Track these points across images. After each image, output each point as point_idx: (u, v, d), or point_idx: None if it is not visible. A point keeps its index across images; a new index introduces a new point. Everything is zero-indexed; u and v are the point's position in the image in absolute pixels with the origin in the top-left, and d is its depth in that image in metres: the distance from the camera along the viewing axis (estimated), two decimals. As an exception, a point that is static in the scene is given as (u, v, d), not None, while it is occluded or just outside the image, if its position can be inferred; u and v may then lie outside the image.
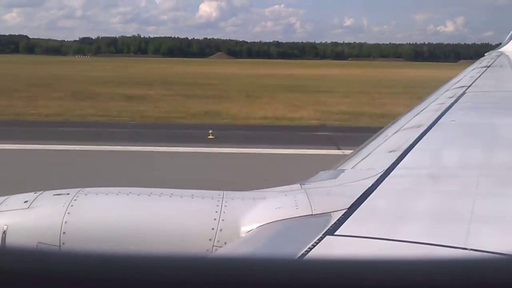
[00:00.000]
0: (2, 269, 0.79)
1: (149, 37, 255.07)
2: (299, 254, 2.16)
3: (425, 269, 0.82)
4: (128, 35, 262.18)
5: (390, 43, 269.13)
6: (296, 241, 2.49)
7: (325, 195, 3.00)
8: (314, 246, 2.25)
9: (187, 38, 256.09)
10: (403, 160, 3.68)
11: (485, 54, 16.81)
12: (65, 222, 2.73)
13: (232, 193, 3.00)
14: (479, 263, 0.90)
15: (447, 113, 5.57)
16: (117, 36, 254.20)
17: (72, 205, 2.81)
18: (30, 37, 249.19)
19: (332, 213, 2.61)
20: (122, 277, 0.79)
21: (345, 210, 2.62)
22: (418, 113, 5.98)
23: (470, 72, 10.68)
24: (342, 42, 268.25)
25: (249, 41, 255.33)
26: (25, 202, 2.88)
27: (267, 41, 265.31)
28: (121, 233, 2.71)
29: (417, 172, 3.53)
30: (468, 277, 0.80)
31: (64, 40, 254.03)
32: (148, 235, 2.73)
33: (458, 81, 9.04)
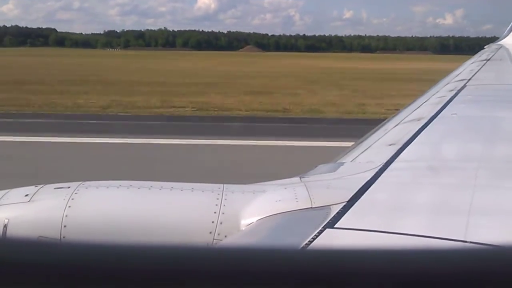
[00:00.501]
0: (3, 260, 0.80)
1: (174, 30, 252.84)
2: (300, 247, 2.17)
3: (425, 259, 0.83)
4: (136, 28, 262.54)
5: (414, 36, 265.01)
6: (296, 234, 2.50)
7: (325, 188, 3.01)
8: (314, 239, 2.26)
9: (213, 31, 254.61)
10: (402, 153, 3.68)
11: (485, 47, 16.78)
12: (66, 216, 2.74)
13: (232, 186, 3.01)
14: (478, 255, 0.90)
15: (447, 107, 5.57)
16: (142, 30, 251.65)
17: (73, 199, 2.82)
18: (58, 30, 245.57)
19: (331, 206, 2.62)
20: (123, 267, 0.80)
21: (344, 203, 2.63)
22: (419, 106, 5.98)
23: (470, 66, 10.67)
24: (364, 35, 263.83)
25: (276, 34, 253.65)
26: (26, 195, 2.88)
27: (293, 34, 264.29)
28: (122, 226, 2.72)
29: (416, 165, 3.54)
30: (467, 269, 0.81)
31: (91, 34, 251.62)
32: (148, 228, 2.73)
33: (458, 74, 9.03)
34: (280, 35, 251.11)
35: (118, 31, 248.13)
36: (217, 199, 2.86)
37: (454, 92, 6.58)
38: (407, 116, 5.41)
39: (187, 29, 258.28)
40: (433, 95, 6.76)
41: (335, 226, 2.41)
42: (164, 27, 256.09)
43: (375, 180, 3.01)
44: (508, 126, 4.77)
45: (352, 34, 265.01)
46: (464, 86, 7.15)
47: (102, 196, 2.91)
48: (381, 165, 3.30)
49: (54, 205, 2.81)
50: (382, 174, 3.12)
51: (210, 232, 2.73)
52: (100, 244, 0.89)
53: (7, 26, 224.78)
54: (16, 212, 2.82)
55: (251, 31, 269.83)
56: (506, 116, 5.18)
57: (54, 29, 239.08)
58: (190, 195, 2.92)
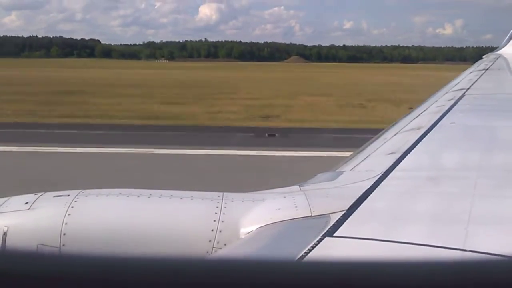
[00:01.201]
0: (3, 271, 0.80)
1: (215, 41, 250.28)
2: (299, 256, 2.16)
3: (424, 270, 0.83)
4: (173, 40, 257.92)
5: (452, 46, 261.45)
6: (295, 243, 2.50)
7: (324, 196, 3.01)
8: (313, 247, 2.26)
9: (256, 42, 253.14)
10: (402, 162, 3.69)
11: (483, 57, 16.83)
12: (66, 224, 2.74)
13: (231, 195, 3.01)
14: (478, 264, 0.91)
15: (446, 116, 5.59)
16: (181, 41, 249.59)
17: (72, 207, 2.82)
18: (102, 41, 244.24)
19: (331, 215, 2.62)
20: (122, 279, 0.80)
21: (344, 212, 2.63)
22: (418, 115, 5.99)
23: (468, 75, 10.71)
24: (398, 45, 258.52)
25: (317, 45, 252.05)
26: (26, 203, 2.88)
27: (335, 44, 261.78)
28: (121, 234, 2.72)
29: (416, 174, 3.54)
30: (467, 278, 0.81)
31: (131, 44, 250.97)
32: (148, 236, 2.73)
33: (456, 84, 9.06)
34: (321, 46, 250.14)
35: (157, 42, 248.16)
36: (217, 207, 2.86)
37: (453, 102, 6.60)
38: (406, 125, 5.42)
39: (222, 40, 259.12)
40: (432, 104, 6.78)
41: (335, 234, 2.40)
42: (205, 39, 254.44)
43: (374, 189, 3.01)
44: (507, 135, 4.78)
45: (389, 45, 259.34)
46: (463, 95, 7.17)
47: (101, 204, 2.91)
48: (381, 174, 3.30)
49: (54, 213, 2.81)
50: (382, 183, 3.13)
51: (210, 241, 2.73)
52: (99, 255, 0.89)
53: (50, 37, 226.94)
54: (16, 219, 2.82)
55: (287, 42, 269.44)
56: (505, 125, 5.20)
57: (98, 40, 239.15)
58: (189, 204, 2.92)
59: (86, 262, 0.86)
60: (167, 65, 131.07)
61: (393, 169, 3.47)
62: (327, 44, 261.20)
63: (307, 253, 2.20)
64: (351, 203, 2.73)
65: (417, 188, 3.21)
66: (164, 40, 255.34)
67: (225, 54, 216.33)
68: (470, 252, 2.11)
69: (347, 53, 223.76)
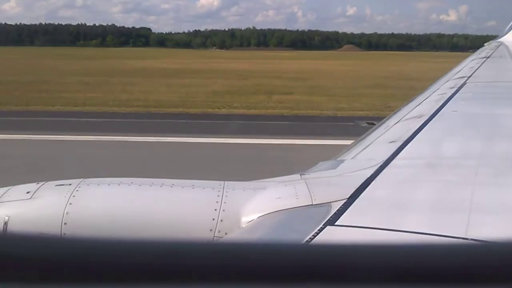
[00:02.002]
0: (4, 254, 0.80)
1: (263, 29, 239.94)
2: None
3: (425, 254, 0.83)
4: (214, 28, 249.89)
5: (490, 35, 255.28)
6: (296, 231, 2.51)
7: (325, 185, 3.01)
8: (315, 236, 2.26)
9: (304, 30, 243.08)
10: (403, 150, 3.68)
11: (485, 44, 16.75)
12: (67, 213, 2.75)
13: (232, 184, 3.01)
14: (479, 252, 0.90)
15: (448, 104, 5.57)
16: (225, 29, 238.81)
17: (74, 196, 2.82)
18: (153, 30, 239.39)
19: (332, 203, 2.62)
20: (124, 262, 0.80)
21: (345, 200, 2.63)
22: (419, 104, 5.98)
23: (470, 63, 10.66)
24: (444, 33, 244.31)
25: (367, 33, 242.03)
26: (27, 192, 2.89)
27: (382, 32, 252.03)
28: (122, 223, 2.72)
29: (417, 163, 3.54)
30: (468, 265, 0.81)
31: (175, 33, 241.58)
32: (149, 225, 2.74)
33: (458, 72, 9.02)
34: (371, 34, 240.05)
35: (202, 30, 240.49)
36: (218, 196, 2.86)
37: (454, 90, 6.58)
38: (407, 113, 5.41)
39: (266, 28, 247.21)
40: (434, 92, 6.76)
41: (336, 223, 2.41)
42: (253, 26, 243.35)
43: (375, 177, 3.00)
44: (508, 123, 4.77)
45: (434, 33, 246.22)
46: (464, 83, 7.15)
47: (103, 193, 2.91)
48: (382, 163, 3.30)
49: (55, 202, 2.81)
50: (383, 172, 3.12)
51: (211, 230, 2.73)
52: (101, 238, 0.89)
53: (104, 25, 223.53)
54: (17, 209, 2.83)
55: (329, 30, 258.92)
56: (506, 113, 5.18)
57: (149, 29, 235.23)
58: (190, 193, 2.92)
59: (88, 244, 0.86)
60: (253, 54, 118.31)
61: (394, 157, 3.47)
62: (371, 32, 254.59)
63: (308, 241, 2.20)
64: (352, 192, 2.73)
65: (418, 177, 3.20)
66: (209, 29, 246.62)
67: (276, 43, 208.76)
68: (471, 240, 2.11)
69: (397, 41, 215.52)
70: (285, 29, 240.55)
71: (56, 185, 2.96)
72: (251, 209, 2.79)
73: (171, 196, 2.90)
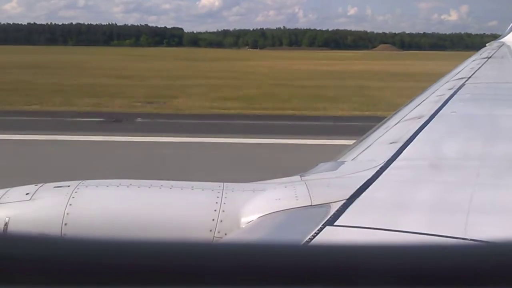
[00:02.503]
0: (4, 255, 0.80)
1: (293, 28, 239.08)
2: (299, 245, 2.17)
3: (425, 255, 0.83)
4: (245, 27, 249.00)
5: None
6: (296, 232, 2.51)
7: (325, 186, 3.01)
8: (314, 236, 2.26)
9: (338, 29, 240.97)
10: (403, 151, 3.68)
11: (487, 44, 16.74)
12: (67, 214, 2.75)
13: (232, 185, 3.01)
14: (479, 252, 0.90)
15: (447, 104, 5.57)
16: (252, 29, 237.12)
17: (73, 197, 2.82)
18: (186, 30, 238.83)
19: (331, 204, 2.62)
20: (124, 263, 0.80)
21: (344, 201, 2.63)
22: (419, 104, 5.98)
23: (471, 63, 10.65)
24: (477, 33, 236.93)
25: (397, 32, 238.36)
26: (27, 194, 2.89)
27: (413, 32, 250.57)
28: (122, 224, 2.72)
29: (417, 164, 3.54)
30: (467, 266, 0.81)
31: (204, 32, 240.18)
32: (148, 226, 2.74)
33: (458, 72, 9.02)
34: (403, 33, 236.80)
35: (231, 30, 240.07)
36: (217, 197, 2.86)
37: (454, 90, 6.58)
38: (407, 114, 5.41)
39: (287, 27, 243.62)
40: (433, 93, 6.76)
41: (335, 223, 2.41)
42: (284, 26, 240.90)
43: (375, 179, 3.00)
44: (508, 124, 4.77)
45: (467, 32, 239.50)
46: (464, 84, 7.14)
47: (102, 195, 2.91)
48: (382, 164, 3.30)
49: (55, 203, 2.81)
50: (383, 173, 3.12)
51: (210, 230, 2.73)
52: (101, 239, 0.89)
53: (136, 25, 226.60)
54: (16, 210, 2.83)
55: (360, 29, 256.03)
56: (506, 114, 5.18)
57: (181, 29, 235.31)
58: (190, 194, 2.93)
59: (88, 245, 0.86)
60: (299, 54, 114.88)
61: (395, 158, 3.46)
62: (399, 32, 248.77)
63: (307, 242, 2.20)
64: (352, 193, 2.73)
65: (419, 178, 3.20)
66: (236, 28, 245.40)
67: (308, 43, 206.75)
68: (471, 241, 2.11)
69: (429, 41, 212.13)
70: (315, 29, 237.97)
71: (54, 187, 2.96)
72: (251, 210, 2.79)
73: (170, 198, 2.91)
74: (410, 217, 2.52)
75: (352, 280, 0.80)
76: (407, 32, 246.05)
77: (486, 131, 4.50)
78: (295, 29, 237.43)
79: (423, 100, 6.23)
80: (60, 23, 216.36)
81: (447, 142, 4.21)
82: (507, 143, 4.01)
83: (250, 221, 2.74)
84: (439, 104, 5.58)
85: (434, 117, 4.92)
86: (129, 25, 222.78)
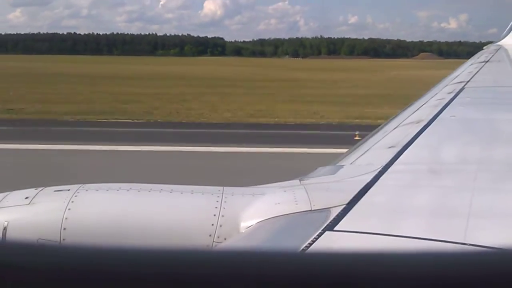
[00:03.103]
0: (3, 263, 0.80)
1: (330, 37, 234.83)
2: (299, 250, 2.17)
3: (424, 262, 0.83)
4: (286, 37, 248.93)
5: None
6: (295, 237, 2.50)
7: (324, 191, 3.01)
8: (313, 241, 2.26)
9: (374, 38, 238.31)
10: (402, 155, 3.68)
11: (484, 48, 16.74)
12: (66, 218, 2.74)
13: (231, 189, 3.01)
14: (478, 258, 0.90)
15: (446, 109, 5.57)
16: (285, 38, 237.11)
17: (72, 201, 2.82)
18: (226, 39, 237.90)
19: (331, 209, 2.62)
20: (123, 270, 0.80)
21: (344, 206, 2.63)
22: (418, 109, 5.98)
23: (468, 67, 10.66)
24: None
25: (434, 41, 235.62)
26: (26, 198, 2.88)
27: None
28: (121, 229, 2.72)
29: (416, 168, 3.54)
30: (467, 271, 0.81)
31: (240, 41, 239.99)
32: (148, 231, 2.73)
33: (456, 76, 9.03)
34: (439, 42, 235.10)
35: (266, 39, 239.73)
36: (217, 201, 2.86)
37: (453, 95, 6.58)
38: (406, 118, 5.41)
39: (326, 36, 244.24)
40: (432, 97, 6.76)
41: (335, 228, 2.41)
42: (321, 35, 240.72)
43: (374, 183, 3.00)
44: (507, 128, 4.77)
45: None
46: (463, 88, 7.15)
47: (102, 199, 2.91)
48: (381, 168, 3.30)
49: (54, 207, 2.81)
50: (382, 177, 3.12)
51: (210, 235, 2.73)
52: (100, 247, 0.89)
53: (179, 35, 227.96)
54: (16, 214, 2.82)
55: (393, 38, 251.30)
56: (505, 118, 5.19)
57: (222, 38, 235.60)
58: (190, 198, 2.92)
59: (86, 253, 0.86)
60: (353, 64, 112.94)
61: (393, 163, 3.47)
62: (436, 40, 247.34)
63: (307, 247, 2.20)
64: (351, 197, 2.73)
65: (417, 182, 3.20)
66: (272, 37, 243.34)
67: (348, 51, 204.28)
68: (470, 246, 2.11)
69: (467, 49, 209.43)
70: (354, 38, 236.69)
71: (54, 191, 2.96)
72: (250, 214, 2.79)
73: (170, 202, 2.90)
74: (410, 222, 2.52)
75: (351, 286, 0.80)
76: (443, 40, 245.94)
77: (485, 136, 4.50)
78: (332, 38, 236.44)
79: (422, 105, 6.24)
80: (108, 33, 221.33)
81: (446, 146, 4.21)
82: (506, 147, 4.01)
83: (250, 226, 2.73)
84: (438, 109, 5.58)
85: (433, 121, 4.92)
86: (172, 35, 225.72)
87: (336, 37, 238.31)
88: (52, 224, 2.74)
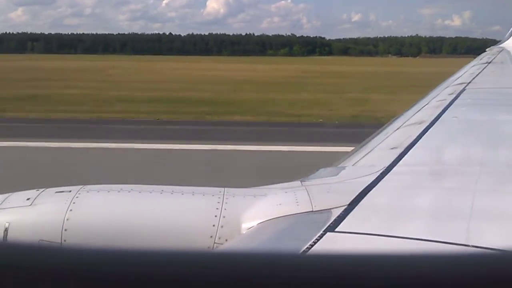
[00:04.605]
0: (4, 263, 0.80)
1: (432, 36, 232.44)
2: (301, 251, 2.16)
3: (427, 264, 0.83)
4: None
5: None
6: (297, 238, 2.50)
7: (326, 192, 3.01)
8: (315, 242, 2.26)
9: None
10: (404, 157, 3.68)
11: (486, 50, 16.75)
12: (67, 219, 2.74)
13: (233, 190, 3.01)
14: (480, 259, 0.90)
15: (448, 110, 5.57)
16: (379, 36, 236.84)
17: (74, 202, 2.82)
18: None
19: (332, 210, 2.62)
20: (124, 271, 0.80)
21: (345, 207, 2.63)
22: (420, 110, 5.98)
23: (470, 69, 10.66)
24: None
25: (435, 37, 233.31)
26: (27, 199, 2.89)
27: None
28: (123, 230, 2.72)
29: (418, 169, 3.53)
30: (469, 273, 0.81)
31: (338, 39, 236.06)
32: (149, 232, 2.73)
33: (458, 78, 9.02)
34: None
35: (355, 38, 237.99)
36: (218, 202, 2.86)
37: (454, 96, 6.57)
38: (408, 119, 5.41)
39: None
40: (434, 98, 6.76)
41: (336, 229, 2.40)
42: (416, 34, 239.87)
43: (376, 184, 3.00)
44: (509, 129, 4.76)
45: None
46: (464, 89, 7.14)
47: (103, 200, 2.91)
48: (383, 169, 3.29)
49: (56, 208, 2.81)
50: (384, 178, 3.12)
51: (211, 236, 2.73)
52: (101, 248, 0.89)
53: (286, 35, 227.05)
54: (17, 215, 2.82)
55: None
56: (507, 119, 5.18)
57: (324, 38, 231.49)
58: (190, 199, 2.92)
59: (88, 254, 0.86)
60: None
61: (395, 164, 3.46)
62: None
63: (308, 248, 2.20)
64: (352, 198, 2.72)
65: (419, 183, 3.20)
66: (361, 37, 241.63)
67: (450, 50, 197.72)
68: (473, 247, 2.11)
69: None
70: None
71: (56, 192, 2.96)
72: (252, 215, 2.79)
73: (171, 203, 2.90)
74: (412, 223, 2.51)
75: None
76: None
77: (488, 137, 4.49)
78: (431, 37, 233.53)
79: (424, 106, 6.23)
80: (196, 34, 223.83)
81: (448, 148, 4.20)
82: (508, 148, 4.01)
83: (251, 227, 2.73)
84: (440, 110, 5.57)
85: (435, 122, 4.91)
86: (283, 35, 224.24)
87: (435, 36, 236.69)
88: (53, 225, 2.74)
